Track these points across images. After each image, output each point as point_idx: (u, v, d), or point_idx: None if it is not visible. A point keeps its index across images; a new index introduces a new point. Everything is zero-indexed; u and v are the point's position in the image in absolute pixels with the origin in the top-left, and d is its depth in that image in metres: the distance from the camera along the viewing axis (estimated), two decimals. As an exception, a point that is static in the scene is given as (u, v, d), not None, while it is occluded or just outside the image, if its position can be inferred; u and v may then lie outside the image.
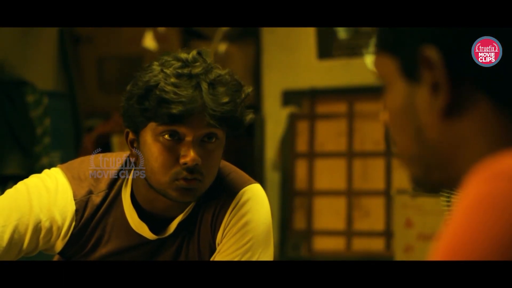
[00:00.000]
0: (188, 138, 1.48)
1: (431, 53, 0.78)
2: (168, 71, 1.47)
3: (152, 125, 1.49)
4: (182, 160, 1.47)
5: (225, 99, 1.48)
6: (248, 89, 1.55)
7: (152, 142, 1.49)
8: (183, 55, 1.51)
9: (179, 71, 1.47)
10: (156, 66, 1.50)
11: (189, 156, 1.47)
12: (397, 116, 0.84)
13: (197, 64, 1.50)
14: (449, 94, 0.78)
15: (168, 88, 1.45)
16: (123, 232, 1.58)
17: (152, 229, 1.58)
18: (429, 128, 0.81)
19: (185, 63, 1.49)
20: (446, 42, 0.78)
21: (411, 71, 0.81)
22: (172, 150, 1.48)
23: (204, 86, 1.47)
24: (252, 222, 1.58)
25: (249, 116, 1.55)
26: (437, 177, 0.83)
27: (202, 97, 1.46)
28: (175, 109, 1.44)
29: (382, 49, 0.85)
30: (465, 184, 0.73)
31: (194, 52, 1.52)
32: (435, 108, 0.80)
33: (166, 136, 1.48)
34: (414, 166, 0.84)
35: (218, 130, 1.50)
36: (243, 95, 1.52)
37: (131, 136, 1.55)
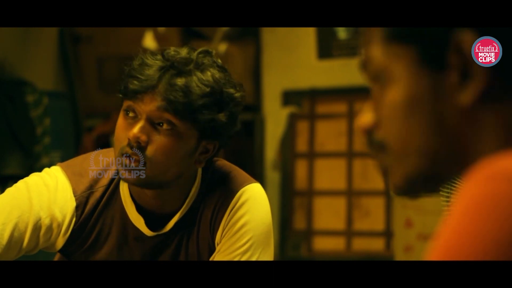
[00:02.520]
0: (141, 116, 1.50)
1: (465, 37, 0.76)
2: (150, 55, 1.51)
3: (123, 104, 1.53)
4: (127, 134, 1.50)
5: (180, 83, 1.47)
6: (233, 93, 1.53)
7: (119, 118, 1.54)
8: (184, 50, 1.53)
9: (158, 57, 1.51)
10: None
11: (132, 132, 1.49)
12: (408, 107, 0.81)
13: (183, 53, 1.51)
14: (484, 82, 0.76)
15: (136, 66, 1.50)
16: (122, 224, 1.59)
17: (149, 225, 1.58)
18: (451, 117, 0.78)
19: (176, 53, 1.51)
20: (477, 27, 0.76)
21: (434, 58, 0.78)
22: (128, 126, 1.51)
23: (170, 70, 1.48)
24: (251, 222, 1.58)
25: (216, 115, 1.51)
26: (442, 170, 0.81)
27: (160, 77, 1.48)
28: (132, 84, 1.49)
29: (396, 39, 0.81)
30: (464, 183, 0.73)
31: (199, 50, 1.53)
32: (464, 96, 0.77)
33: (130, 114, 1.51)
34: (419, 158, 0.81)
35: (174, 119, 1.48)
36: (208, 89, 1.49)
37: None
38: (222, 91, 1.51)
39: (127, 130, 1.50)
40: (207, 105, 1.49)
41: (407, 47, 0.80)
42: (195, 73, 1.49)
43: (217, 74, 1.52)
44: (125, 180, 1.53)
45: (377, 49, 0.83)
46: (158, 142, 1.49)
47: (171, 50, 1.52)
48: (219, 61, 1.55)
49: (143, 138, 1.48)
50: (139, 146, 1.49)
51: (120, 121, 1.53)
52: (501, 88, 0.77)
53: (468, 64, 0.77)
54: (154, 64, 1.49)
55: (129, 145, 1.49)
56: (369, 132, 0.85)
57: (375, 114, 0.85)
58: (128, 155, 1.49)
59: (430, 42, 0.79)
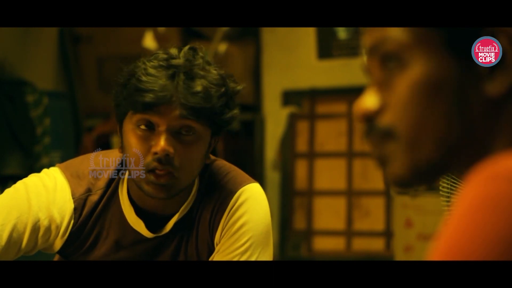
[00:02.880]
0: (161, 128, 1.47)
1: (500, 28, 0.75)
2: (149, 63, 1.49)
3: (131, 116, 1.49)
4: (153, 149, 1.47)
5: (198, 88, 1.46)
6: (237, 87, 1.54)
7: (129, 132, 1.50)
8: (173, 50, 1.52)
9: (160, 62, 1.48)
10: (143, 58, 1.52)
11: (159, 145, 1.46)
12: (430, 92, 0.78)
13: (181, 55, 1.50)
14: None
15: (143, 77, 1.46)
16: (121, 228, 1.58)
17: (149, 227, 1.58)
18: (476, 106, 0.77)
19: (170, 56, 1.50)
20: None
21: (464, 45, 0.77)
22: (146, 140, 1.48)
23: (180, 76, 1.46)
24: (250, 222, 1.58)
25: (232, 112, 1.53)
26: (452, 159, 0.79)
27: (175, 86, 1.46)
28: (147, 97, 1.45)
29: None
30: (465, 184, 0.73)
31: (186, 48, 1.53)
32: (493, 87, 0.76)
33: (142, 126, 1.48)
34: (433, 145, 0.78)
35: (195, 124, 1.48)
36: (223, 89, 1.50)
37: (118, 126, 1.56)
38: (228, 87, 1.52)
39: (146, 145, 1.48)
40: (224, 105, 1.51)
41: (434, 32, 0.78)
42: (203, 74, 1.49)
43: (218, 70, 1.52)
44: (156, 196, 1.50)
45: (398, 29, 0.80)
46: (183, 150, 1.48)
47: (164, 54, 1.50)
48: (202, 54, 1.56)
49: (172, 150, 1.46)
50: (167, 159, 1.46)
51: (133, 136, 1.49)
52: None
53: (503, 58, 0.76)
54: (161, 73, 1.47)
55: (158, 160, 1.46)
56: (370, 118, 0.82)
57: (381, 98, 0.82)
58: (154, 169, 1.47)
59: (461, 30, 0.77)
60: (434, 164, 0.79)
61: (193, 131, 1.48)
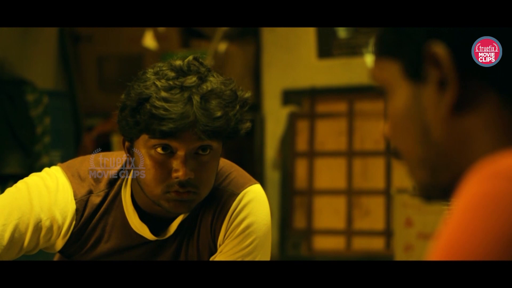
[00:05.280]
0: (181, 152, 1.46)
1: (438, 48, 0.77)
2: (159, 84, 1.44)
3: (144, 137, 1.47)
4: (174, 175, 1.46)
5: (218, 114, 1.44)
6: (245, 97, 1.52)
7: (145, 154, 1.48)
8: (178, 63, 1.48)
9: (171, 83, 1.44)
10: (150, 75, 1.47)
11: (181, 171, 1.45)
12: (401, 120, 0.82)
13: (190, 75, 1.47)
14: (457, 90, 0.77)
15: (159, 103, 1.42)
16: (123, 232, 1.58)
17: (152, 230, 1.58)
18: (435, 127, 0.80)
19: (178, 74, 1.46)
20: (452, 37, 0.77)
21: (415, 71, 0.80)
22: (165, 163, 1.47)
23: (196, 99, 1.44)
24: (254, 224, 1.58)
25: (246, 126, 1.53)
26: (445, 179, 0.81)
27: (194, 112, 1.43)
28: (166, 126, 1.42)
29: (383, 54, 0.84)
30: (464, 183, 0.73)
31: (190, 58, 1.50)
32: (442, 105, 0.78)
33: (159, 150, 1.47)
34: (420, 170, 0.83)
35: (215, 143, 1.48)
36: (237, 107, 1.49)
37: (127, 143, 1.54)
38: (239, 99, 1.51)
39: (165, 169, 1.47)
40: (240, 120, 1.50)
41: (393, 61, 0.82)
42: (218, 93, 1.46)
43: (229, 82, 1.50)
44: (176, 211, 1.51)
45: (375, 65, 0.85)
46: (202, 169, 1.48)
47: (171, 71, 1.47)
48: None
49: (193, 174, 1.46)
50: (188, 181, 1.46)
51: (150, 160, 1.48)
52: (478, 92, 0.77)
53: (444, 75, 0.78)
54: (175, 96, 1.43)
55: (180, 183, 1.46)
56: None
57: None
58: (179, 192, 1.47)
59: (411, 55, 0.80)
60: (430, 185, 0.83)
61: (209, 149, 1.48)
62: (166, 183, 1.47)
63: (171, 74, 1.46)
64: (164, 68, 1.48)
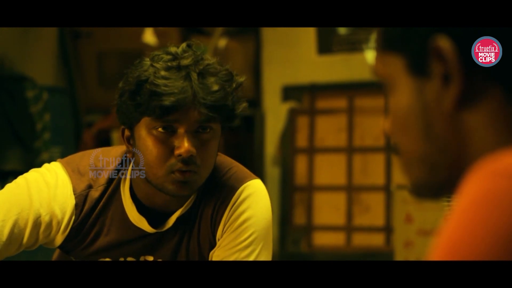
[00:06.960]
0: (181, 130, 1.48)
1: (443, 43, 0.77)
2: (157, 65, 1.48)
3: (146, 119, 1.49)
4: (176, 152, 1.48)
5: (215, 88, 1.47)
6: (240, 79, 1.55)
7: (146, 136, 1.50)
8: (173, 49, 1.51)
9: (169, 64, 1.48)
10: (146, 61, 1.51)
11: (183, 147, 1.47)
12: (404, 115, 0.82)
13: (186, 55, 1.50)
14: (461, 85, 0.77)
15: (158, 81, 1.46)
16: (122, 225, 1.59)
17: (151, 223, 1.58)
18: (438, 123, 0.79)
19: (175, 56, 1.49)
20: (457, 33, 0.77)
21: (419, 66, 0.79)
22: (166, 142, 1.49)
23: (194, 76, 1.47)
24: (253, 218, 1.58)
25: (242, 106, 1.55)
26: (442, 177, 0.81)
27: (192, 87, 1.46)
28: (167, 101, 1.44)
29: (387, 48, 0.83)
30: (465, 181, 0.73)
31: (183, 45, 1.53)
32: (446, 100, 0.78)
33: (160, 129, 1.48)
34: (419, 167, 0.82)
35: (214, 123, 1.50)
36: (234, 85, 1.52)
37: (127, 132, 1.55)
38: (235, 80, 1.53)
39: (167, 147, 1.48)
40: (236, 99, 1.53)
41: (397, 56, 0.82)
42: (213, 72, 1.50)
43: (213, 60, 1.53)
44: (180, 194, 1.52)
45: (378, 59, 0.84)
46: (202, 148, 1.50)
47: (167, 54, 1.50)
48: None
49: (195, 151, 1.48)
50: (191, 159, 1.48)
51: (151, 140, 1.49)
52: (482, 88, 0.77)
53: (449, 70, 0.77)
54: (174, 74, 1.47)
55: (183, 161, 1.47)
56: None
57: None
58: (182, 170, 1.48)
59: (416, 50, 0.80)
60: (428, 183, 0.83)
61: (209, 128, 1.50)
62: (169, 162, 1.48)
63: (167, 57, 1.50)
64: (159, 54, 1.52)
